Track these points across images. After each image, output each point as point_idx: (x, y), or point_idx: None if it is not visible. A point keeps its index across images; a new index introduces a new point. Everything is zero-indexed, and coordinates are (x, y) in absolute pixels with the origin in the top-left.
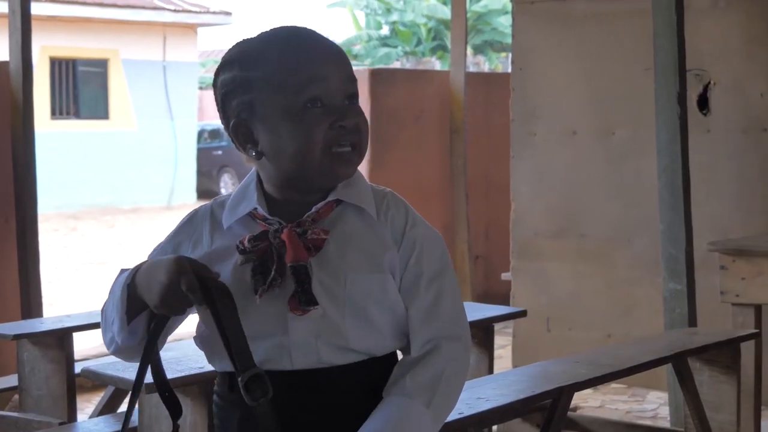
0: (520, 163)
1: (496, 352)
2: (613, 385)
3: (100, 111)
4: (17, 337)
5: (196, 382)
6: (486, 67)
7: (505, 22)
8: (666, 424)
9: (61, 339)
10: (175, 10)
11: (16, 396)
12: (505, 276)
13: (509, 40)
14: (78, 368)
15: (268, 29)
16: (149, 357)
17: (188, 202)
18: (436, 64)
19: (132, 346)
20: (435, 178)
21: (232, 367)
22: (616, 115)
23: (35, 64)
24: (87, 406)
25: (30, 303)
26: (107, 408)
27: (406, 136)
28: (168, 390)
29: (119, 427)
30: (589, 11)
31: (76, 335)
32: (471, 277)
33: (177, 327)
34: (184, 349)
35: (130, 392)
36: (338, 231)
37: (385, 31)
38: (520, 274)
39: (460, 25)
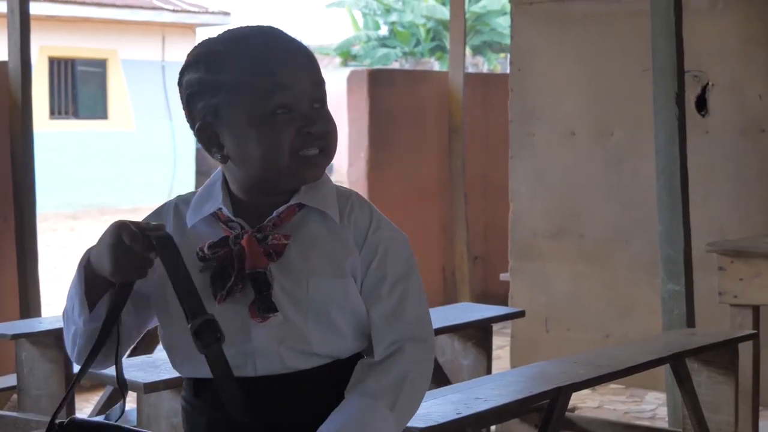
0: (519, 163)
1: (495, 353)
2: (612, 385)
3: (99, 111)
4: (16, 336)
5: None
6: (485, 68)
7: (503, 22)
8: (664, 425)
9: (59, 339)
10: (173, 10)
11: (15, 396)
12: (503, 276)
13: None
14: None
15: (234, 28)
16: (110, 328)
17: None
18: (435, 65)
19: (101, 345)
20: (434, 178)
21: (195, 370)
22: (614, 116)
23: (34, 63)
24: (86, 405)
25: (28, 303)
26: (106, 407)
27: (404, 137)
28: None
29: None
30: (587, 12)
31: None
32: (470, 278)
33: (149, 321)
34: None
35: (82, 367)
36: (300, 235)
37: (384, 31)
38: (519, 275)
39: (458, 25)
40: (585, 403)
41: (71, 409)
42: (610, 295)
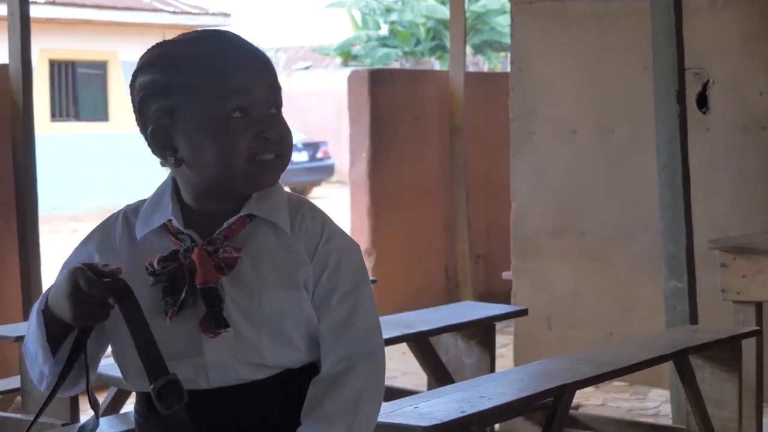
0: (520, 162)
1: (498, 351)
2: (615, 383)
3: (100, 113)
4: (19, 338)
5: None
6: (485, 67)
7: (503, 21)
8: (668, 422)
9: None
10: (173, 12)
11: (19, 398)
12: (506, 275)
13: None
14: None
15: (189, 32)
16: (74, 362)
17: None
18: (435, 64)
19: (65, 379)
20: (435, 177)
21: (145, 385)
22: (615, 114)
23: (34, 66)
24: (88, 407)
25: (31, 305)
26: (110, 409)
27: (405, 136)
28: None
29: (122, 428)
30: (587, 10)
31: None
32: (472, 277)
33: (108, 342)
34: None
35: (48, 396)
36: (252, 247)
37: (384, 31)
38: (521, 273)
39: (459, 25)
40: (589, 400)
41: (75, 411)
42: (613, 293)
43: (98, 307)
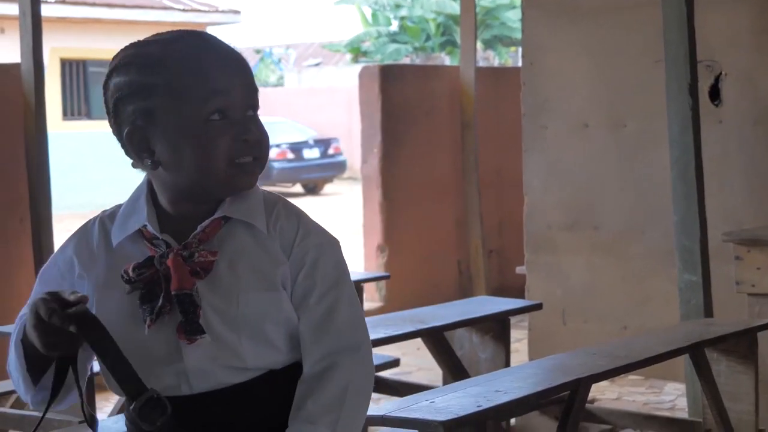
0: (532, 156)
1: (512, 346)
2: (630, 377)
3: None
4: None
5: None
6: (495, 62)
7: (513, 16)
8: (684, 416)
9: None
10: (184, 10)
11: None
12: (519, 270)
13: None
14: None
15: (163, 32)
16: (61, 385)
17: None
18: (446, 60)
19: (52, 404)
20: (447, 173)
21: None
22: (627, 108)
23: (46, 65)
24: (106, 405)
25: None
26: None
27: (417, 132)
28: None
29: None
30: (598, 4)
31: None
32: (485, 272)
33: (92, 358)
34: None
35: (43, 414)
36: (228, 250)
37: (394, 27)
38: (535, 268)
39: (469, 20)
40: (604, 394)
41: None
42: (627, 287)
43: (64, 336)
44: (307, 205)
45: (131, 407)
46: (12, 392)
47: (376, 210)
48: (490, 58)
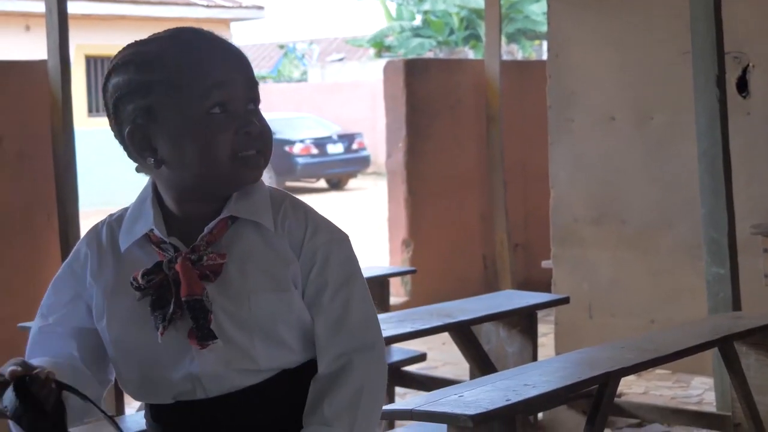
0: (558, 149)
1: (539, 340)
2: (657, 371)
3: None
4: None
5: None
6: (519, 56)
7: (537, 9)
8: (712, 410)
9: None
10: (207, 6)
11: None
12: (545, 264)
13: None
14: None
15: (162, 31)
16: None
17: None
18: (469, 54)
19: None
20: (472, 167)
21: (147, 397)
22: (654, 100)
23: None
24: (134, 401)
25: None
26: None
27: (441, 126)
28: None
29: None
30: None
31: None
32: (510, 266)
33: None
34: None
35: None
36: (236, 251)
37: (417, 21)
38: (561, 261)
39: (494, 13)
40: (631, 389)
41: (121, 404)
42: (654, 280)
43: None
44: (331, 200)
45: None
46: None
47: (401, 204)
48: (513, 52)
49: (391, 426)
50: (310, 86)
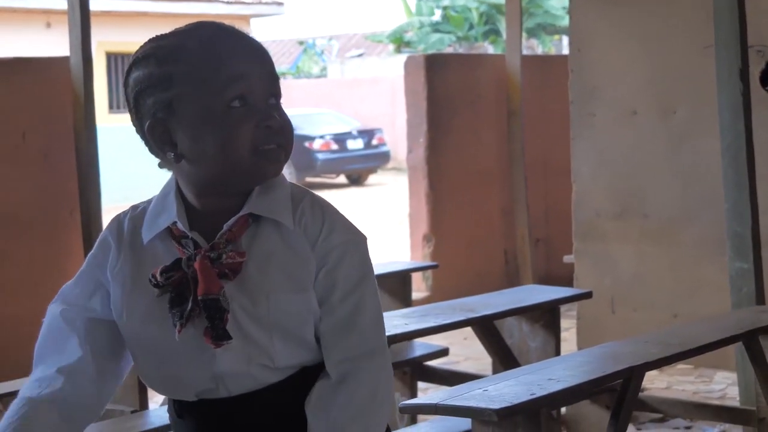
0: (580, 144)
1: (561, 335)
2: (680, 366)
3: None
4: None
5: None
6: (539, 51)
7: (557, 4)
8: (735, 404)
9: None
10: (228, 2)
11: None
12: (567, 259)
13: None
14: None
15: (182, 26)
16: None
17: None
18: (489, 49)
19: None
20: (493, 162)
21: (169, 393)
22: (677, 94)
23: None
24: (157, 395)
25: None
26: None
27: (462, 121)
28: None
29: None
30: None
31: None
32: (532, 261)
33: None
34: None
35: None
36: (256, 251)
37: (437, 17)
38: (583, 256)
39: (514, 8)
40: (653, 384)
41: (144, 398)
42: (677, 275)
43: None
44: (351, 196)
45: None
46: (13, 392)
47: (423, 200)
48: (533, 47)
49: (414, 420)
50: (329, 82)
